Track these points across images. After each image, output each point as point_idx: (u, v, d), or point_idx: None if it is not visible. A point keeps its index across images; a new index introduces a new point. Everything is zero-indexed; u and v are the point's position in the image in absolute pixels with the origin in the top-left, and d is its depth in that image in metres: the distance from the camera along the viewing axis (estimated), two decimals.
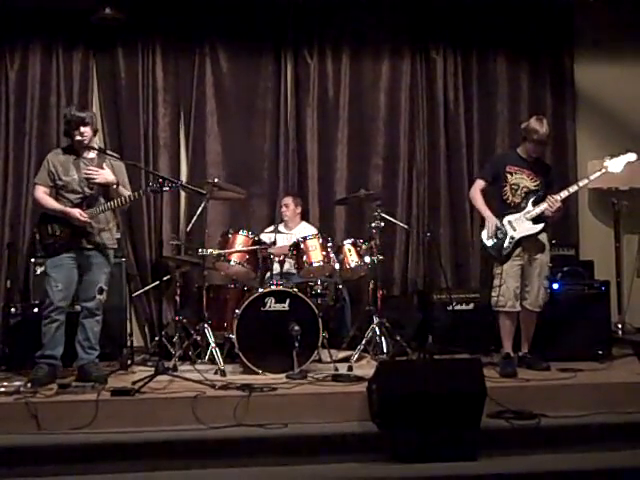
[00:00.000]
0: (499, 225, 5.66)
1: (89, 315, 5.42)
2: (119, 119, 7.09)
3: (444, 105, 7.42)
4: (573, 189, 5.68)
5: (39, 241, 5.44)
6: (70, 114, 5.39)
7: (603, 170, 5.66)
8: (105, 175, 5.34)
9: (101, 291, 5.40)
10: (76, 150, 5.44)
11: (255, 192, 7.17)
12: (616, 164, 5.65)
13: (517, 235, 5.63)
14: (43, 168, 5.46)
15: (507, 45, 7.49)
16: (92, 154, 5.47)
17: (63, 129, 5.61)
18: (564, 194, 5.63)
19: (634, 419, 4.84)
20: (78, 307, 5.51)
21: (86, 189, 5.37)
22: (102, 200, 5.41)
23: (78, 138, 5.35)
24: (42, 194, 5.41)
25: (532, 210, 5.64)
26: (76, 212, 5.28)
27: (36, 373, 5.23)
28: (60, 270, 5.32)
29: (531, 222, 5.65)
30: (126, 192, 5.48)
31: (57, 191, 5.40)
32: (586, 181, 5.75)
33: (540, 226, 5.67)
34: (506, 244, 5.63)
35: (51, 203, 5.37)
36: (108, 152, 5.58)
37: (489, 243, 5.69)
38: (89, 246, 5.38)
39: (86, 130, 5.36)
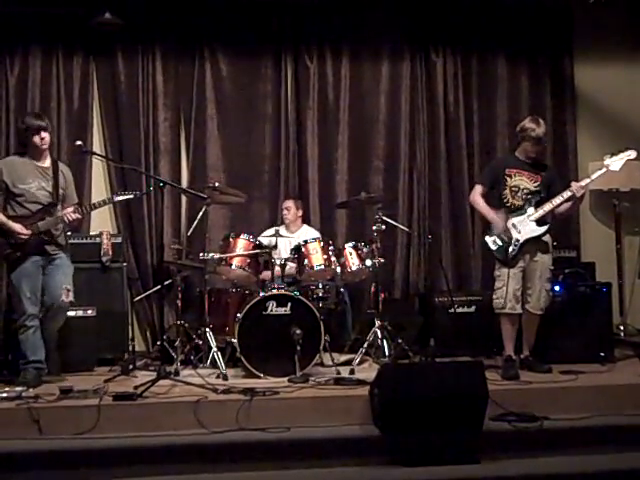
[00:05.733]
0: (505, 225, 5.64)
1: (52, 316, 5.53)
2: (119, 123, 7.09)
3: (444, 107, 7.41)
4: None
5: None
6: (29, 122, 5.43)
7: (604, 169, 5.64)
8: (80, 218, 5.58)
9: (67, 291, 5.48)
10: (32, 157, 5.46)
11: (256, 196, 7.16)
12: (616, 162, 5.64)
13: (522, 237, 5.61)
14: None
15: (507, 47, 7.48)
16: (47, 162, 5.51)
17: (18, 138, 5.68)
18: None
19: (636, 421, 4.84)
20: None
21: (45, 198, 5.42)
22: (59, 207, 5.49)
23: (39, 144, 5.39)
24: None
25: (535, 212, 5.64)
26: (17, 227, 5.34)
27: (25, 377, 5.34)
28: (27, 280, 5.39)
29: (535, 224, 5.64)
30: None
31: (13, 199, 5.39)
32: (588, 180, 5.73)
33: (544, 228, 5.66)
34: (512, 247, 5.61)
35: None
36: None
37: (494, 247, 5.68)
38: (53, 250, 5.46)
39: (46, 135, 5.43)
